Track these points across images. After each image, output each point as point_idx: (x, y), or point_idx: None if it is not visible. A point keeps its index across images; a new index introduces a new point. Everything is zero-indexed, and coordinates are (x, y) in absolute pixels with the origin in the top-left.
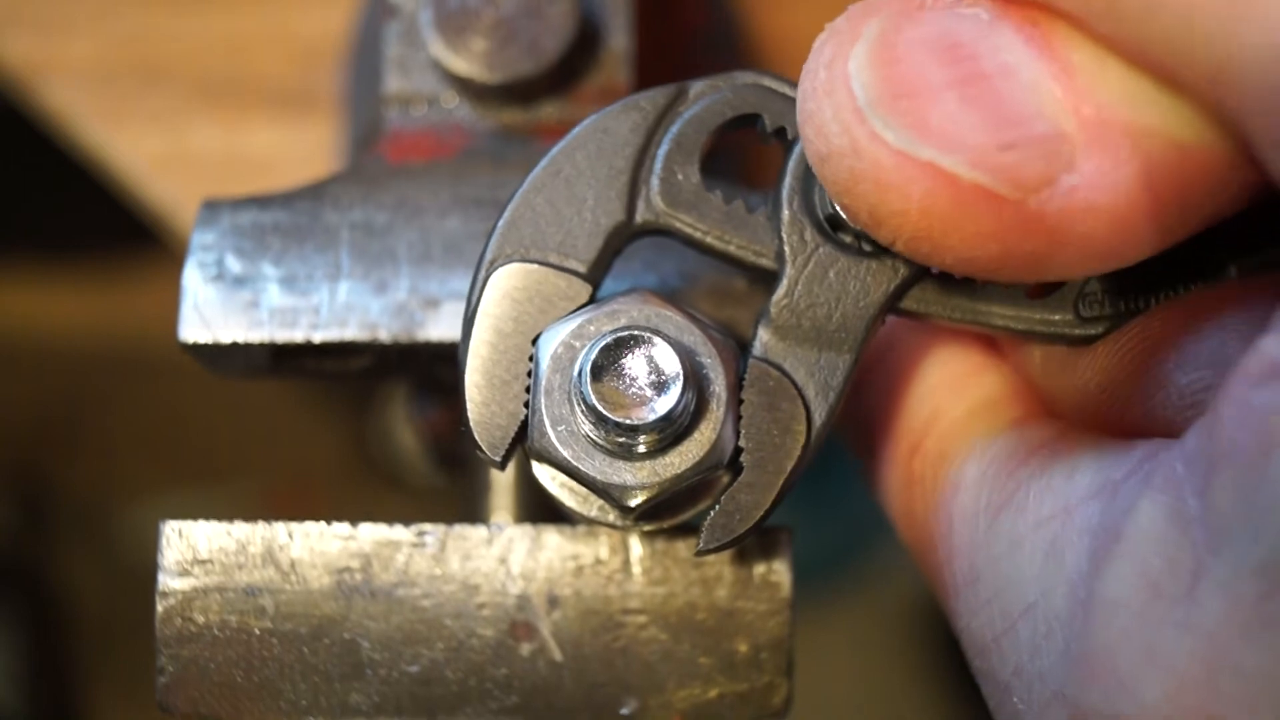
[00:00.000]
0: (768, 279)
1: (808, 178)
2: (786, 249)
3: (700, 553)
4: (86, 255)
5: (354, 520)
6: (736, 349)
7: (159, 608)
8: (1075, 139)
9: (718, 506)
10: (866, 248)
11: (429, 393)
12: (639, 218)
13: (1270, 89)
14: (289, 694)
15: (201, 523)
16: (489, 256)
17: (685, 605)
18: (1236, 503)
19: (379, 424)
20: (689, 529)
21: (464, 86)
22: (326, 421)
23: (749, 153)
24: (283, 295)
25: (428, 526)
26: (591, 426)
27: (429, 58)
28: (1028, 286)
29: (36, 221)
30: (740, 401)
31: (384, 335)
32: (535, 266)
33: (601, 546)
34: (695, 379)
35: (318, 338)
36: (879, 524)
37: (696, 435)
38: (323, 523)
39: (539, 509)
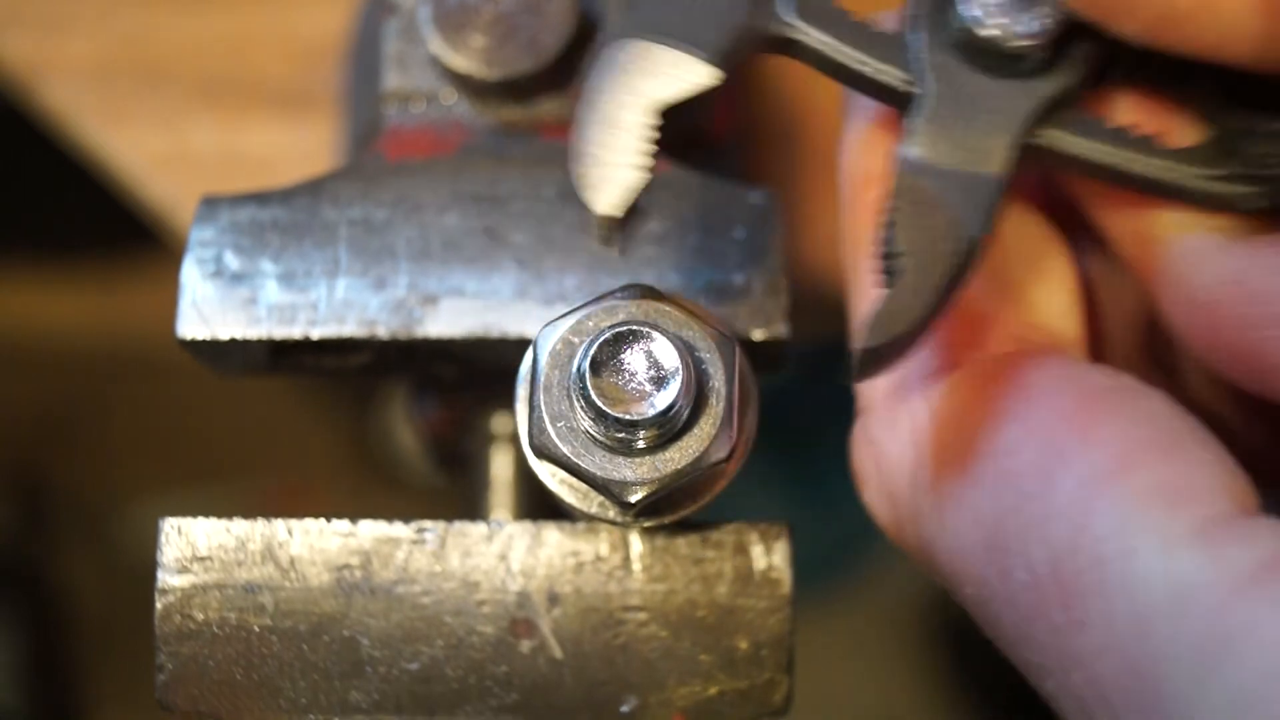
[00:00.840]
0: (898, 102)
1: (942, 1)
2: (928, 70)
3: (860, 356)
4: (86, 255)
5: (354, 518)
6: (735, 344)
7: (158, 605)
8: None
9: (878, 307)
10: (1004, 70)
11: (429, 391)
12: (770, 28)
13: None
14: (288, 691)
15: (201, 520)
16: (611, 31)
17: (685, 602)
18: None
19: (379, 423)
20: (689, 525)
21: (463, 83)
22: (326, 420)
23: (749, 152)
24: (281, 292)
25: (427, 523)
26: (591, 422)
27: (428, 54)
28: (1190, 140)
29: (36, 221)
30: (893, 209)
31: (382, 332)
32: (656, 45)
33: (602, 543)
34: (695, 374)
35: (316, 334)
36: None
37: (696, 430)
38: (322, 520)
39: (539, 506)
